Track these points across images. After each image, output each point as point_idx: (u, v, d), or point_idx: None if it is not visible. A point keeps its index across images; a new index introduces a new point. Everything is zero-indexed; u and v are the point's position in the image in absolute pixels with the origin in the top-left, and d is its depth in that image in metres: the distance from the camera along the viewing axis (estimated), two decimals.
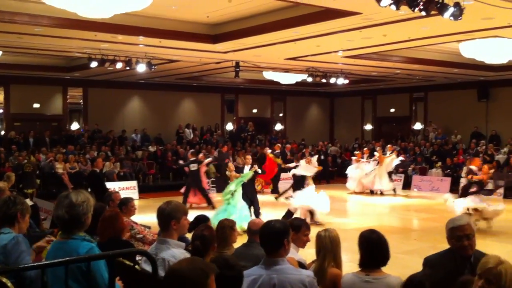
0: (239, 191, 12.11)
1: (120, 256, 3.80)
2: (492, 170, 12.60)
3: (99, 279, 3.29)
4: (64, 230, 3.43)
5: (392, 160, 18.95)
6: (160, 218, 4.15)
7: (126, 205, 7.01)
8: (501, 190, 17.96)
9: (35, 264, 3.38)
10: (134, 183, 18.83)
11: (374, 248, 3.90)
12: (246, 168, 13.18)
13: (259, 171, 13.01)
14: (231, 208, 11.76)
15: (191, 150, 18.06)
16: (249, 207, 12.37)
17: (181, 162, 18.52)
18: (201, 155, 16.95)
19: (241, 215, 11.44)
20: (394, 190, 18.86)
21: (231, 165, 13.34)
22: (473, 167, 11.72)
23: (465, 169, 11.76)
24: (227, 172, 13.20)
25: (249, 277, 3.66)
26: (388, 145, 20.66)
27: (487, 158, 20.46)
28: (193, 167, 15.76)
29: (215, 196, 16.44)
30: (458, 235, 3.98)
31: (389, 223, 13.80)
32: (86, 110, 23.55)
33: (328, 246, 4.64)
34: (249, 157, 14.09)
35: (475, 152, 21.48)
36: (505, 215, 15.57)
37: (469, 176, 11.96)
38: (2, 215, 4.19)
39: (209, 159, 17.46)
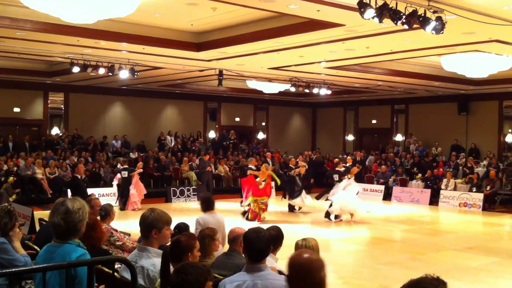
0: None
1: (100, 263, 3.78)
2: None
3: (82, 285, 3.30)
4: (59, 236, 3.42)
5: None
6: (142, 225, 4.14)
7: (106, 211, 6.97)
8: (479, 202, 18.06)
9: (13, 270, 3.38)
10: (114, 190, 18.63)
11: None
12: None
13: None
14: None
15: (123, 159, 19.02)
16: None
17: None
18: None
19: None
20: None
21: None
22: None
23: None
24: None
25: (232, 283, 3.70)
26: (348, 157, 19.00)
27: (467, 171, 20.72)
28: (124, 174, 16.74)
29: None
30: None
31: (370, 234, 13.86)
32: (67, 115, 23.35)
33: None
34: None
35: (455, 164, 21.72)
36: (483, 227, 15.80)
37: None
38: (3, 226, 4.45)
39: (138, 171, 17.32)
